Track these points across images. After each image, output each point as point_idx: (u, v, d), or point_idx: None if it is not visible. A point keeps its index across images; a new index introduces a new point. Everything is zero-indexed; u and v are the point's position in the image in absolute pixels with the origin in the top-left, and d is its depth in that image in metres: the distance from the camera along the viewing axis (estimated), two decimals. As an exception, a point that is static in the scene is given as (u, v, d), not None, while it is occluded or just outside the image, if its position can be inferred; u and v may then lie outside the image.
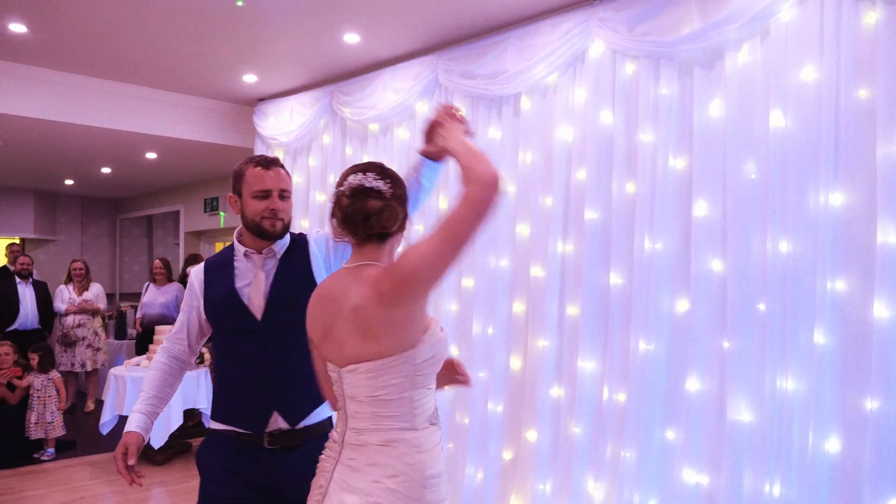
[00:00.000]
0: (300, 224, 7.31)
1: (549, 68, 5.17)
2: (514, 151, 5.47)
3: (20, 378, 7.81)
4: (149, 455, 7.62)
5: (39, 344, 8.37)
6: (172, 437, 7.63)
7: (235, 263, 2.97)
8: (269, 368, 2.88)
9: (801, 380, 3.93)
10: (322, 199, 7.10)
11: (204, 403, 7.83)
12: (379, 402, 2.26)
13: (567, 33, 5.06)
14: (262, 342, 2.87)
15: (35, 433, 7.76)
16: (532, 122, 5.36)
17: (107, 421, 7.62)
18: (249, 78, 7.19)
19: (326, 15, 5.54)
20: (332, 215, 2.40)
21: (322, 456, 2.42)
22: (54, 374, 8.02)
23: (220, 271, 2.97)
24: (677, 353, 4.54)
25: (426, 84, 6.01)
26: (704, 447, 4.38)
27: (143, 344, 9.70)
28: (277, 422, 2.82)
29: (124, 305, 12.06)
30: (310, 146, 7.30)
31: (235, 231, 3.04)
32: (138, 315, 9.93)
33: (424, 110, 6.09)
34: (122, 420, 8.22)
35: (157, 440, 7.36)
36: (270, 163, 2.95)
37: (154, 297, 9.67)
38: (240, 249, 2.97)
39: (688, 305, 4.50)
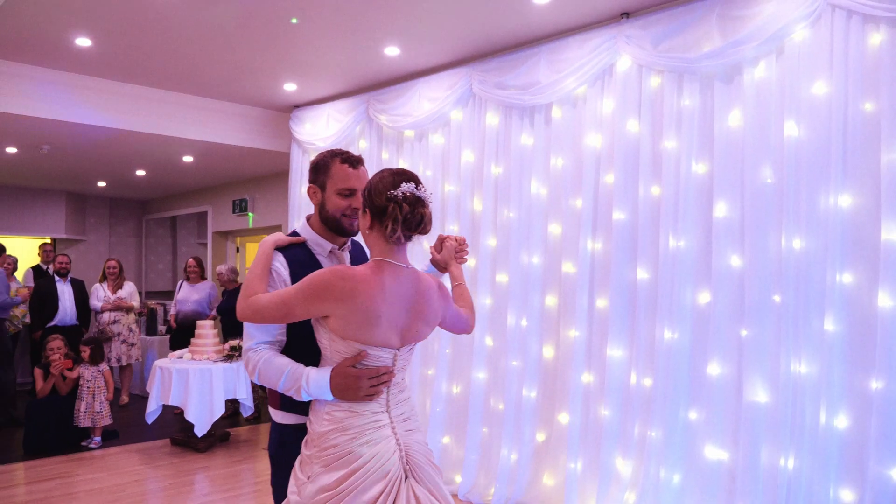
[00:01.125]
0: (337, 224, 7.70)
1: (579, 80, 5.57)
2: (546, 157, 5.87)
3: (70, 370, 8.22)
4: (191, 443, 8.05)
5: (90, 338, 8.76)
6: (214, 425, 8.07)
7: (319, 258, 2.99)
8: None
9: (812, 363, 4.35)
10: (358, 200, 7.49)
11: (243, 394, 8.26)
12: (407, 370, 2.83)
13: (596, 48, 5.47)
14: None
15: (84, 421, 8.17)
16: (563, 130, 5.76)
17: (152, 410, 8.04)
18: (290, 86, 7.61)
19: (370, 31, 5.96)
20: (388, 218, 2.60)
21: (363, 426, 2.63)
22: (104, 366, 8.42)
23: (306, 265, 2.92)
24: (699, 341, 4.95)
25: (461, 93, 6.41)
26: (724, 426, 4.78)
27: (176, 339, 10.14)
28: None
29: (152, 303, 12.41)
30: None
31: (303, 222, 3.05)
32: (172, 312, 10.36)
33: (459, 118, 6.50)
34: (167, 409, 8.68)
35: (201, 429, 7.79)
36: (357, 161, 2.98)
37: (188, 295, 10.10)
38: (325, 245, 3.00)
39: (709, 297, 4.91)
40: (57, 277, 10.34)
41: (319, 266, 2.93)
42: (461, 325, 3.09)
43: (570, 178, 5.70)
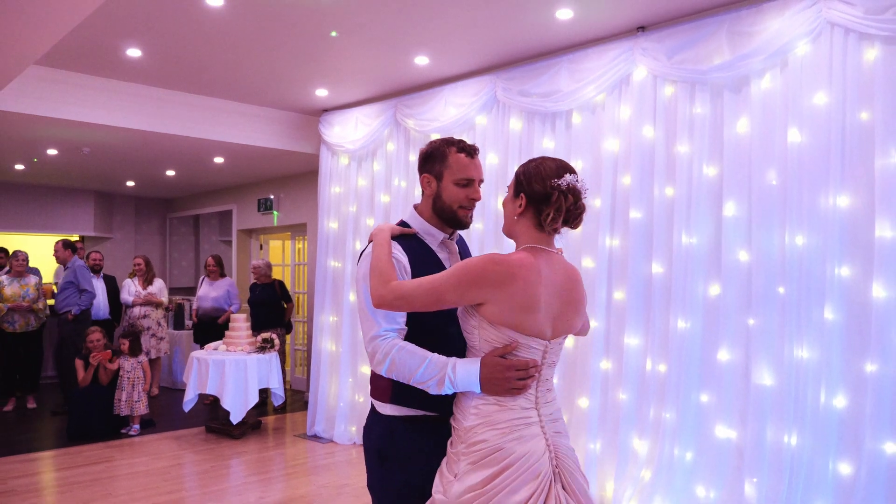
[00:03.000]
0: (366, 222, 8.13)
1: (598, 89, 5.98)
2: (567, 160, 6.19)
3: (111, 361, 8.65)
4: (226, 430, 8.49)
5: (130, 330, 9.21)
6: (248, 413, 8.50)
7: (433, 248, 2.92)
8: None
9: (813, 349, 4.76)
10: (386, 200, 7.92)
11: (275, 384, 8.70)
12: (555, 368, 2.70)
13: (614, 59, 5.87)
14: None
15: (123, 410, 8.62)
16: (582, 135, 6.16)
17: (189, 399, 8.49)
18: (321, 92, 8.03)
19: (402, 41, 6.37)
20: (551, 208, 2.54)
21: (512, 421, 2.52)
22: (143, 357, 8.88)
23: (422, 254, 2.87)
24: (710, 329, 5.35)
25: (485, 100, 6.82)
26: (733, 407, 5.19)
27: (199, 334, 10.56)
28: None
29: (178, 298, 12.82)
30: (374, 153, 8.12)
31: (412, 212, 2.97)
32: (194, 307, 10.78)
33: (483, 123, 6.91)
34: (202, 398, 9.09)
35: (236, 416, 8.23)
36: (474, 151, 2.90)
37: (207, 292, 10.48)
38: (436, 235, 2.92)
39: (719, 289, 5.32)
40: (91, 273, 10.72)
41: (435, 256, 2.89)
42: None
43: (589, 180, 6.06)
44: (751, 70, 5.14)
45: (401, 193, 7.74)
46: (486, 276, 2.48)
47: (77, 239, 13.26)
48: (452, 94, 7.18)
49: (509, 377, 2.50)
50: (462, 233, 3.14)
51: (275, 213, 11.82)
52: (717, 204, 5.37)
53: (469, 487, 2.45)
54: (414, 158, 7.63)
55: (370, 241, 2.83)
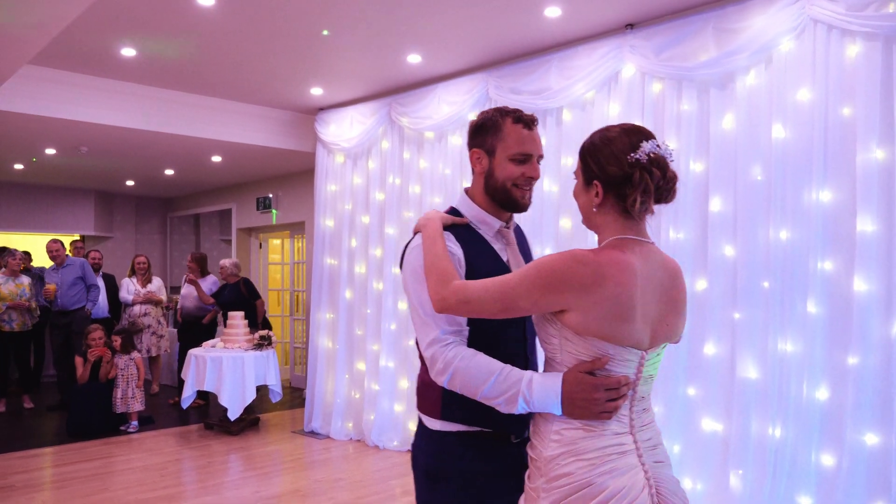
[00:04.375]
0: (361, 220, 8.21)
1: (588, 86, 6.04)
2: (558, 156, 6.33)
3: (108, 362, 8.72)
4: (225, 426, 8.57)
5: (120, 328, 9.28)
6: (246, 410, 8.57)
7: (486, 237, 2.56)
8: (532, 360, 2.60)
9: (797, 342, 4.82)
10: (381, 197, 7.99)
11: (273, 380, 8.77)
12: (652, 383, 2.25)
13: (603, 57, 5.93)
14: (529, 329, 2.55)
15: (120, 408, 8.70)
16: (573, 132, 6.22)
17: (187, 396, 8.60)
18: (316, 90, 8.10)
19: (395, 40, 6.44)
20: (635, 189, 2.13)
21: (604, 450, 2.09)
22: (135, 354, 8.96)
23: (477, 246, 2.52)
24: (696, 324, 5.39)
25: (478, 98, 6.89)
26: (719, 400, 5.25)
27: (182, 333, 10.45)
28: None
29: (177, 297, 12.88)
30: (369, 151, 8.19)
31: (462, 196, 2.62)
32: (178, 306, 10.71)
33: (475, 120, 6.95)
34: (200, 395, 9.17)
35: (234, 413, 8.31)
36: (533, 121, 2.52)
37: (190, 291, 10.36)
38: (492, 223, 2.57)
39: (705, 284, 5.38)
40: (92, 271, 10.83)
41: (491, 248, 2.53)
42: None
43: (578, 177, 6.13)
44: (736, 67, 5.19)
45: (395, 191, 7.81)
46: (568, 280, 2.04)
47: (78, 238, 13.35)
48: (446, 92, 7.25)
49: (598, 398, 2.07)
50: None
51: (273, 211, 11.89)
52: (704, 199, 5.42)
53: None
54: (409, 156, 7.72)
55: (416, 232, 2.49)
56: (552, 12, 5.70)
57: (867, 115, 4.56)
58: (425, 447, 2.54)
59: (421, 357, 2.47)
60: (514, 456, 2.46)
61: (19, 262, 9.70)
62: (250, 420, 8.95)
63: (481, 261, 2.47)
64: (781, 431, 4.85)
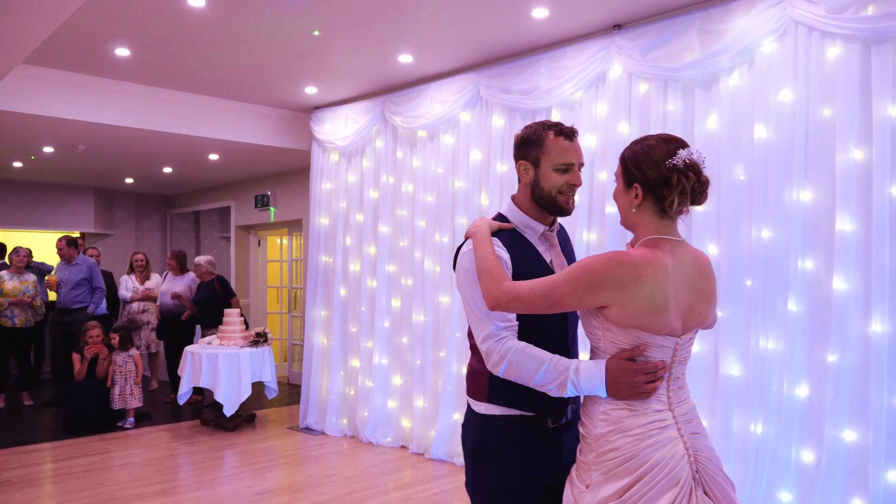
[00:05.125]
0: (355, 219, 8.27)
1: (576, 86, 6.10)
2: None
3: (105, 358, 8.80)
4: (220, 423, 8.65)
5: (119, 325, 9.34)
6: (239, 406, 8.64)
7: (530, 241, 2.79)
8: (573, 351, 2.83)
9: (778, 340, 4.88)
10: (375, 196, 8.06)
11: (268, 377, 8.84)
12: (686, 364, 2.52)
13: (591, 57, 5.99)
14: (570, 322, 2.80)
15: (118, 404, 8.78)
16: (561, 132, 6.24)
17: (183, 392, 8.68)
18: (310, 89, 8.16)
19: (386, 40, 6.50)
20: (673, 190, 2.37)
21: (646, 426, 2.37)
22: (133, 351, 9.02)
23: (523, 249, 2.75)
24: (681, 322, 5.44)
25: (469, 97, 6.95)
26: (703, 397, 5.29)
27: (162, 329, 10.56)
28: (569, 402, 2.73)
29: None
30: (363, 149, 8.25)
31: (509, 203, 2.84)
32: (158, 303, 10.77)
33: (467, 119, 7.04)
34: (196, 392, 9.23)
35: (229, 409, 8.38)
36: (573, 133, 2.75)
37: (170, 287, 10.41)
38: (535, 227, 2.78)
39: (690, 283, 5.41)
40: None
41: (535, 251, 2.76)
42: None
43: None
44: (720, 68, 5.25)
45: (388, 189, 7.88)
46: (608, 279, 2.32)
47: (78, 236, 13.41)
48: (438, 92, 7.30)
49: (638, 381, 2.35)
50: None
51: (271, 209, 11.96)
52: (688, 199, 5.45)
53: (604, 499, 2.31)
54: (402, 154, 7.78)
55: (467, 237, 2.75)
56: (539, 13, 5.76)
57: (846, 115, 4.62)
58: (471, 429, 2.79)
59: (472, 347, 2.78)
60: (550, 440, 2.71)
61: (23, 259, 9.77)
62: (246, 416, 9.02)
63: (526, 262, 2.70)
64: (763, 428, 4.91)
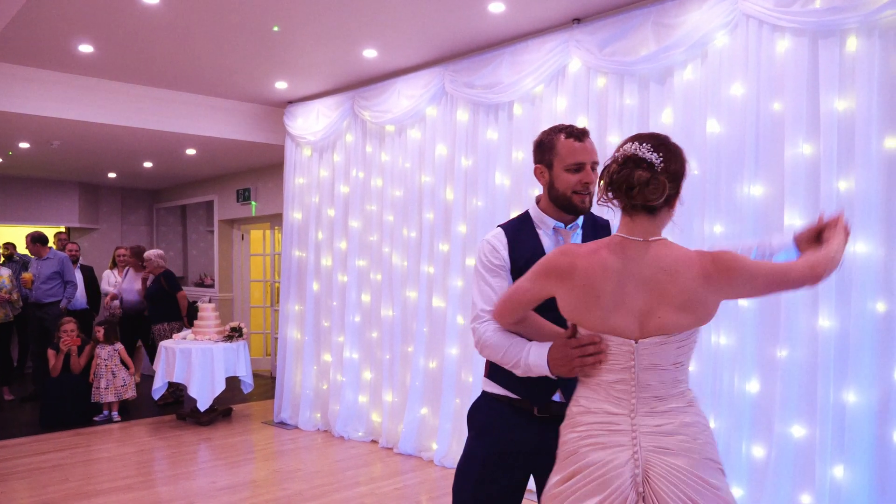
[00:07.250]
0: (327, 213, 8.26)
1: (537, 80, 6.07)
2: (509, 150, 6.38)
3: (80, 351, 8.81)
4: (195, 417, 8.65)
5: (104, 319, 9.34)
6: (216, 401, 8.65)
7: (540, 235, 2.91)
8: None
9: (730, 336, 4.88)
10: (346, 190, 8.04)
11: (243, 371, 8.84)
12: (680, 369, 2.39)
13: (551, 51, 5.96)
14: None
15: (106, 397, 8.79)
16: (523, 126, 6.26)
17: (158, 387, 8.68)
18: (281, 84, 8.14)
19: (348, 35, 6.47)
20: (600, 178, 2.43)
21: (592, 426, 2.38)
22: (118, 345, 9.03)
23: (525, 239, 2.90)
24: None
25: (434, 92, 6.93)
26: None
27: (125, 326, 10.49)
28: (555, 395, 2.84)
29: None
30: (334, 144, 8.23)
31: (532, 203, 3.00)
32: (119, 298, 10.70)
33: (433, 114, 7.02)
34: (171, 386, 9.23)
35: (203, 404, 8.39)
36: (583, 134, 2.85)
37: (131, 284, 10.40)
38: (548, 222, 2.91)
39: (646, 278, 5.41)
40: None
41: (538, 240, 2.89)
42: (784, 282, 2.45)
43: (528, 170, 6.12)
44: (674, 61, 5.22)
45: (359, 184, 7.86)
46: (551, 268, 2.42)
47: (62, 230, 13.40)
48: (405, 86, 7.28)
49: (570, 354, 2.44)
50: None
51: (253, 203, 11.94)
52: (645, 193, 5.43)
53: (551, 485, 2.40)
54: (371, 150, 7.77)
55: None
56: (496, 7, 5.74)
57: (795, 110, 4.60)
58: (476, 402, 3.05)
59: None
60: (534, 431, 2.88)
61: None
62: (222, 411, 9.03)
63: (523, 251, 2.85)
64: (715, 423, 4.90)
